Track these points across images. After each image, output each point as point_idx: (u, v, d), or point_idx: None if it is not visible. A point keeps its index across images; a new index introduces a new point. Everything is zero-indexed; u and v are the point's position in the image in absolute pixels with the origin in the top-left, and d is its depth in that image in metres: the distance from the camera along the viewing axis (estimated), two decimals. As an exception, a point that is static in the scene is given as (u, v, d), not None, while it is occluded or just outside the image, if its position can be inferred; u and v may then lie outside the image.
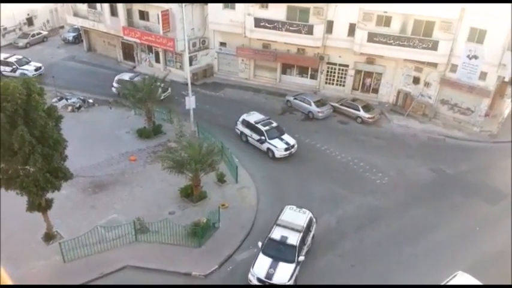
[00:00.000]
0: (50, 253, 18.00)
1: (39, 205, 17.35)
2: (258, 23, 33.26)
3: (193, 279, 17.37)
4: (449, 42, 29.05)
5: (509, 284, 11.57)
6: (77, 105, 31.08)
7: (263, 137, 26.03)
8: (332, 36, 32.60)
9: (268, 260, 16.82)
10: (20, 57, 37.35)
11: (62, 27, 49.68)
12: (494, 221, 20.94)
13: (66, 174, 16.97)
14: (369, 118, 30.58)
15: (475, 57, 28.67)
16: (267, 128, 26.30)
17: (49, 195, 17.40)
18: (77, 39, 45.12)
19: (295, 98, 32.74)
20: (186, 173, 20.71)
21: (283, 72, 36.87)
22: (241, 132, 27.57)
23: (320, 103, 31.82)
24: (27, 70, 35.84)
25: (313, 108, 31.34)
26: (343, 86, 35.06)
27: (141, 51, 39.26)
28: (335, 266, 18.36)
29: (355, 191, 23.15)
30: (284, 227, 17.86)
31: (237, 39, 35.36)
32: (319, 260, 18.52)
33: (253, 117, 27.41)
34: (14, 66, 36.16)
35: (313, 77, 35.97)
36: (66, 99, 31.72)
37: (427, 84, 31.39)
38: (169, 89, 32.56)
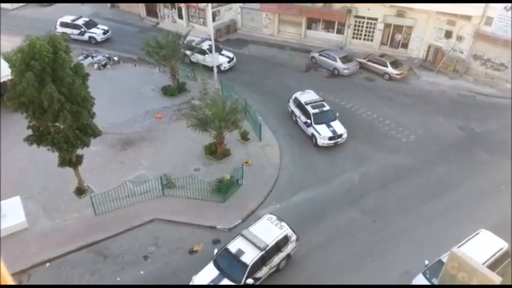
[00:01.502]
0: (82, 206, 18.97)
1: (70, 161, 18.08)
2: (283, -25, 32.00)
3: (218, 232, 18.06)
4: (486, -8, 27.23)
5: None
6: (103, 63, 31.41)
7: (309, 121, 23.43)
8: (361, -13, 31.13)
9: (214, 273, 15.06)
10: (87, 19, 36.28)
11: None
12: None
13: (94, 131, 17.49)
14: (397, 74, 29.63)
15: (513, 8, 26.88)
16: (316, 111, 23.59)
17: (79, 151, 18.04)
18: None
19: (320, 54, 31.91)
20: (210, 130, 20.96)
21: (309, 27, 35.77)
22: (292, 112, 25.23)
23: (346, 59, 30.94)
24: (95, 33, 35.04)
25: (339, 64, 30.55)
26: (371, 41, 33.81)
27: (164, 7, 38.72)
28: (357, 221, 18.61)
29: (379, 149, 22.94)
30: (247, 239, 15.57)
31: (261, -8, 34.28)
32: (341, 216, 18.79)
33: (306, 96, 24.76)
34: (82, 29, 35.05)
35: (339, 31, 34.78)
36: (92, 57, 32.06)
37: (459, 38, 29.87)
38: (234, 58, 31.41)
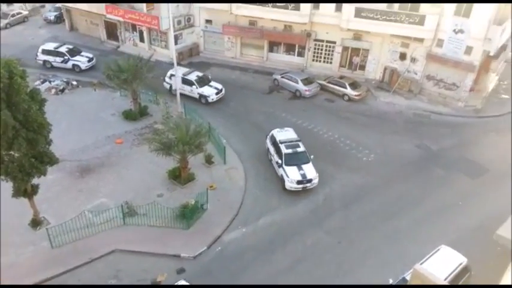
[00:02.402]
0: (37, 239, 18.03)
1: (25, 191, 17.25)
2: (245, -1, 32.64)
3: (182, 260, 17.61)
4: (436, 16, 28.92)
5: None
6: (61, 88, 30.53)
7: (280, 161, 22.14)
8: (319, 12, 32.25)
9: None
10: (71, 46, 34.98)
11: (43, 6, 48.16)
12: (476, 195, 21.43)
13: (51, 158, 16.83)
14: (355, 95, 30.62)
15: (461, 31, 28.67)
16: (289, 151, 22.12)
17: (35, 180, 17.27)
18: (59, 19, 43.86)
19: (282, 77, 32.55)
20: (173, 155, 20.68)
21: (270, 50, 36.50)
22: (268, 150, 24.06)
23: (307, 81, 31.69)
24: (79, 61, 33.67)
25: (301, 86, 31.23)
26: (330, 63, 34.90)
27: (125, 30, 38.42)
28: (322, 242, 18.73)
29: (341, 169, 23.41)
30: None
31: (223, 16, 34.75)
32: (307, 237, 18.88)
33: (282, 134, 23.58)
34: (65, 57, 33.76)
35: (300, 54, 35.69)
36: (50, 82, 31.11)
37: (413, 59, 31.40)
38: (223, 89, 30.01)
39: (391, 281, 16.27)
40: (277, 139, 23.09)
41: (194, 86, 29.57)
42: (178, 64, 30.19)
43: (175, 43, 31.98)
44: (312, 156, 22.63)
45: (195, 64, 35.64)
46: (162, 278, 16.74)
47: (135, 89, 26.84)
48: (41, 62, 34.04)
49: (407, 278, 15.19)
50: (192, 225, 19.12)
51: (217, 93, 29.68)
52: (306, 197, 21.34)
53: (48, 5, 46.91)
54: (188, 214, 18.94)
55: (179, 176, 21.67)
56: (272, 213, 20.25)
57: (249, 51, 36.89)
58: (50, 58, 34.03)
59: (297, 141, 23.03)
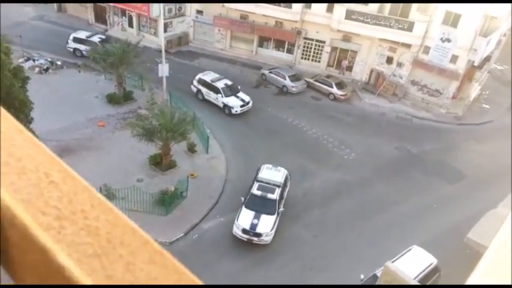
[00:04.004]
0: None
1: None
2: (238, -9, 32.60)
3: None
4: (425, 24, 29.45)
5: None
6: (45, 67, 29.94)
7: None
8: (311, 11, 32.43)
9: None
10: (103, 37, 33.69)
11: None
12: (451, 199, 21.98)
13: (30, 136, 16.53)
14: (341, 95, 30.96)
15: (448, 40, 29.27)
16: (258, 193, 19.68)
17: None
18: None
19: (270, 72, 32.64)
20: (156, 141, 20.59)
21: (260, 44, 36.52)
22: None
23: (295, 78, 31.88)
24: None
25: (288, 82, 31.40)
26: (319, 62, 35.15)
27: (114, 14, 37.88)
28: (299, 236, 18.97)
29: (323, 166, 23.69)
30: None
31: (215, 8, 34.58)
32: (285, 231, 19.06)
33: (268, 173, 21.14)
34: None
35: (289, 51, 35.83)
36: (34, 60, 30.47)
37: (399, 64, 31.92)
38: (250, 102, 28.02)
39: (362, 277, 16.60)
40: (259, 176, 20.25)
41: (220, 95, 27.72)
42: (166, 52, 29.90)
43: (165, 31, 31.66)
44: (281, 209, 19.21)
45: (183, 53, 35.44)
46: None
47: (121, 74, 26.56)
48: (71, 50, 32.59)
49: (378, 274, 15.56)
50: (171, 212, 19.12)
51: (242, 106, 27.42)
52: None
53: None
54: (167, 200, 18.92)
55: (160, 163, 21.58)
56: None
57: (239, 45, 36.85)
58: (81, 47, 32.49)
59: (276, 185, 19.68)
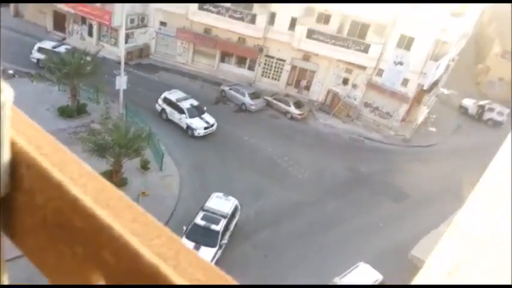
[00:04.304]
0: None
1: None
2: (202, 5, 32.87)
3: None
4: (380, 46, 30.80)
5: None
6: (-6, 75, 28.85)
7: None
8: (274, 28, 33.20)
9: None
10: (69, 47, 31.37)
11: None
12: (396, 218, 23.05)
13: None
14: (298, 114, 31.73)
15: (401, 63, 30.76)
16: (202, 223, 19.07)
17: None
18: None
19: (230, 89, 32.99)
20: (107, 157, 20.28)
21: (222, 60, 36.90)
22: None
23: (254, 96, 32.39)
24: None
25: (247, 100, 31.83)
26: (278, 80, 35.91)
27: (74, 22, 37.16)
28: (249, 256, 19.21)
29: (277, 184, 24.14)
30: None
31: (179, 20, 34.66)
32: (234, 251, 19.24)
33: (216, 202, 20.71)
34: None
35: (250, 68, 36.40)
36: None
37: (354, 86, 33.16)
38: (215, 125, 27.42)
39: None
40: (206, 205, 19.66)
41: (184, 115, 27.01)
42: (125, 64, 29.57)
43: (126, 42, 31.30)
44: (224, 241, 18.60)
45: (144, 66, 35.19)
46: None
47: (76, 85, 25.98)
48: (35, 61, 30.84)
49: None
50: (119, 231, 18.80)
51: (206, 128, 26.81)
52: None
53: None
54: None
55: (110, 180, 21.06)
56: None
57: (201, 59, 37.04)
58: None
59: (223, 216, 19.00)
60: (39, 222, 0.54)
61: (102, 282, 0.50)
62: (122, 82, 27.54)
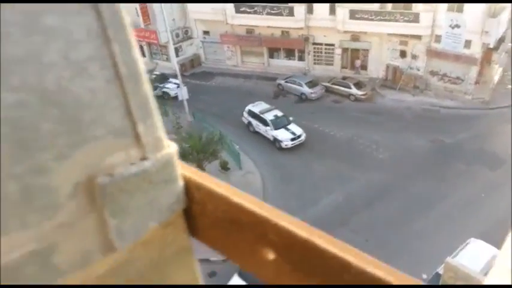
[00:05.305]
0: None
1: None
2: (238, 8, 32.84)
3: (211, 264, 17.28)
4: (430, 13, 29.20)
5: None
6: None
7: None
8: (313, 17, 32.43)
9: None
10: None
11: None
12: (497, 186, 21.31)
13: None
14: (361, 95, 30.68)
15: (457, 26, 28.97)
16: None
17: None
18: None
19: (286, 81, 32.56)
20: (189, 163, 20.45)
21: (271, 56, 36.57)
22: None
23: (312, 84, 31.72)
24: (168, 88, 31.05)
25: (305, 89, 31.24)
26: (332, 65, 35.02)
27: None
28: (350, 240, 18.15)
29: (359, 168, 23.28)
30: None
31: (220, 26, 34.79)
32: (333, 234, 18.51)
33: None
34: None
35: (301, 58, 35.79)
36: None
37: (414, 56, 31.62)
38: (303, 135, 25.68)
39: (425, 276, 16.11)
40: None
41: (268, 127, 26.12)
42: (182, 75, 29.99)
43: (176, 55, 31.93)
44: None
45: (198, 74, 35.58)
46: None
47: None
48: None
49: (441, 272, 15.03)
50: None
51: (293, 139, 25.19)
52: (326, 197, 21.17)
53: None
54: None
55: (198, 184, 21.44)
56: (292, 215, 19.92)
57: (250, 59, 36.92)
58: None
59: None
60: (213, 222, 0.73)
61: (273, 256, 0.66)
62: (183, 93, 27.98)
